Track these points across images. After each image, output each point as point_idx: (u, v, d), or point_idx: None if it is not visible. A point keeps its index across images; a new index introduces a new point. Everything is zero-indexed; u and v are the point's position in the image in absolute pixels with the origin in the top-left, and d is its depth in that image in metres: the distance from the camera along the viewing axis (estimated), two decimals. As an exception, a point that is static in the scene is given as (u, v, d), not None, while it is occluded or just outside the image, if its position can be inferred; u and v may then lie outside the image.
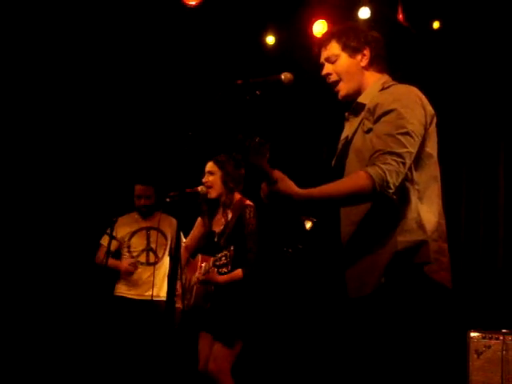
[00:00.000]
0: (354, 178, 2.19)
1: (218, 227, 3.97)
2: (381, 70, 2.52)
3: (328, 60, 2.52)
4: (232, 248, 3.62)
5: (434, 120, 2.36)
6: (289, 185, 2.14)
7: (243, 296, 3.77)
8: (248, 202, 3.88)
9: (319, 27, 5.16)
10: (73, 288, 5.51)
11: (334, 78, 2.51)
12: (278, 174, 2.16)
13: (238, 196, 3.94)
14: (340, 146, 2.54)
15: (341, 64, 2.49)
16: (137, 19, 5.32)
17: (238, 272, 3.74)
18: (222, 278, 3.73)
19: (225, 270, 3.64)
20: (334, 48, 2.50)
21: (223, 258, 3.63)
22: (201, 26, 5.37)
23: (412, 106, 2.28)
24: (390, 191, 2.16)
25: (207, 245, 3.97)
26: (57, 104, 5.69)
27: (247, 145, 2.10)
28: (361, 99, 2.45)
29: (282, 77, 2.35)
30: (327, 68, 2.52)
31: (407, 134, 2.21)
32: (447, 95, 5.09)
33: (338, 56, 2.49)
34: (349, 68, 2.48)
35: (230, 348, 3.70)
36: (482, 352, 4.24)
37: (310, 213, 2.53)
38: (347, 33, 2.51)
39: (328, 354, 5.03)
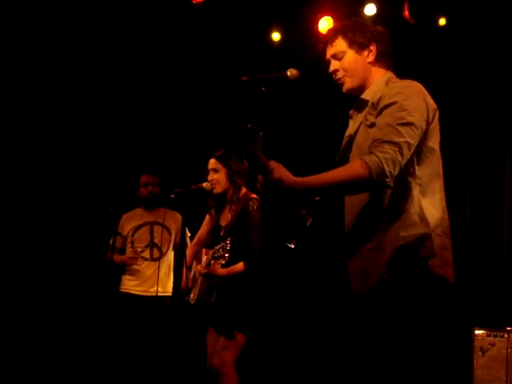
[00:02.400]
0: (351, 166, 2.21)
1: (224, 221, 3.98)
2: (386, 67, 2.51)
3: (335, 57, 2.51)
4: (228, 240, 3.64)
5: (437, 114, 2.36)
6: (284, 173, 2.14)
7: (244, 289, 3.76)
8: (253, 195, 3.89)
9: (325, 24, 5.15)
10: (78, 284, 5.52)
11: (340, 74, 2.50)
12: (273, 163, 2.15)
13: (243, 190, 3.95)
14: (344, 142, 2.54)
15: (347, 60, 2.48)
16: (143, 16, 5.33)
17: (240, 265, 3.75)
18: (222, 271, 3.74)
19: (222, 261, 3.67)
20: (340, 44, 2.49)
21: (220, 250, 3.66)
22: (206, 22, 5.37)
23: (414, 99, 2.28)
24: (387, 180, 2.15)
25: (214, 239, 3.98)
26: (61, 101, 5.70)
27: (241, 131, 2.09)
28: (364, 95, 2.45)
29: (288, 73, 2.35)
30: (334, 65, 2.52)
31: (407, 124, 2.21)
32: (453, 91, 5.08)
33: (344, 52, 2.48)
34: (356, 64, 2.48)
35: (232, 341, 3.69)
36: (486, 350, 4.24)
37: (304, 200, 2.53)
38: (353, 29, 2.49)
39: (331, 350, 5.03)
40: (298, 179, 2.15)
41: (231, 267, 3.74)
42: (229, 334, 3.70)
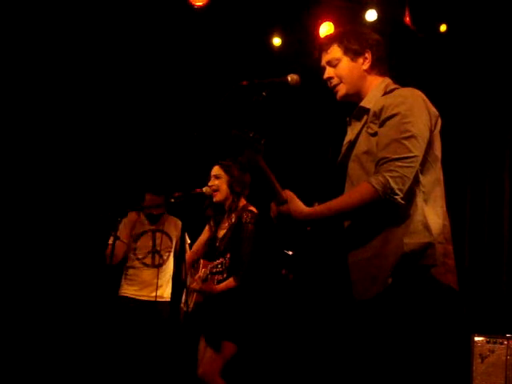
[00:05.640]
0: (358, 191, 2.21)
1: (221, 232, 3.98)
2: (382, 73, 2.51)
3: (329, 64, 2.51)
4: (228, 256, 3.66)
5: (439, 121, 2.36)
6: (298, 206, 2.21)
7: (234, 298, 3.75)
8: (251, 207, 3.89)
9: (326, 29, 5.15)
10: (77, 288, 5.51)
11: (335, 81, 2.50)
12: (287, 193, 2.20)
13: (243, 202, 3.95)
14: (343, 149, 2.54)
15: (342, 67, 2.48)
16: (144, 20, 5.33)
17: (231, 281, 3.74)
18: (215, 289, 3.75)
19: (220, 277, 3.70)
20: (335, 52, 2.49)
21: (219, 266, 3.70)
22: (207, 27, 5.37)
23: (416, 108, 2.28)
24: (397, 197, 2.17)
25: (210, 249, 3.98)
26: (68, 108, 5.70)
27: (242, 140, 2.13)
28: (363, 103, 2.44)
29: (289, 78, 2.36)
30: (329, 72, 2.52)
31: (412, 137, 2.21)
32: (453, 97, 5.08)
33: (339, 60, 2.48)
34: (350, 71, 2.48)
35: (217, 351, 3.69)
36: (486, 356, 4.23)
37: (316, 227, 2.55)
38: (348, 36, 2.49)
39: (332, 356, 5.02)
40: (310, 211, 2.22)
41: (223, 284, 3.75)
42: (215, 343, 3.69)
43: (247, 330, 3.76)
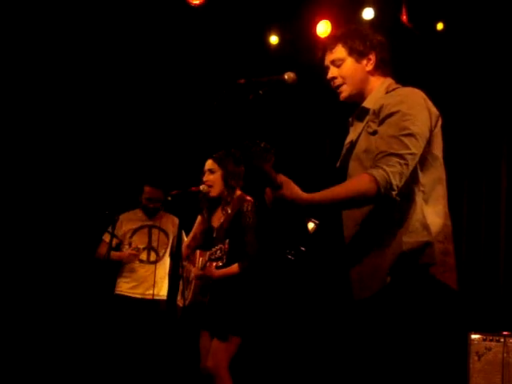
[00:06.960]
0: (358, 181, 2.19)
1: (216, 223, 3.98)
2: (385, 74, 2.51)
3: (333, 63, 2.50)
4: (227, 242, 3.64)
5: (439, 121, 2.36)
6: (293, 190, 2.14)
7: (239, 291, 3.75)
8: (248, 197, 3.89)
9: (323, 27, 5.15)
10: (74, 286, 5.51)
11: (338, 81, 2.50)
12: (282, 178, 2.16)
13: (238, 192, 3.95)
14: (345, 149, 2.53)
15: (346, 68, 2.48)
16: (141, 18, 5.33)
17: (235, 266, 3.74)
18: (217, 273, 3.74)
19: (220, 263, 3.67)
20: (339, 52, 2.48)
21: (218, 252, 3.66)
22: (204, 25, 5.37)
23: (416, 107, 2.28)
24: (394, 193, 2.16)
25: (206, 241, 3.97)
26: (66, 104, 5.69)
27: (252, 150, 2.10)
28: (365, 104, 2.44)
29: (286, 76, 2.35)
30: (332, 72, 2.51)
31: (411, 135, 2.21)
32: (450, 96, 5.08)
33: (343, 60, 2.48)
34: (355, 72, 2.47)
35: (225, 343, 3.68)
36: (482, 354, 4.23)
37: (313, 215, 2.53)
38: (353, 36, 2.49)
39: (330, 355, 5.03)
40: (306, 195, 2.15)
41: (226, 269, 3.74)
42: (222, 336, 3.69)
43: (253, 324, 3.76)
